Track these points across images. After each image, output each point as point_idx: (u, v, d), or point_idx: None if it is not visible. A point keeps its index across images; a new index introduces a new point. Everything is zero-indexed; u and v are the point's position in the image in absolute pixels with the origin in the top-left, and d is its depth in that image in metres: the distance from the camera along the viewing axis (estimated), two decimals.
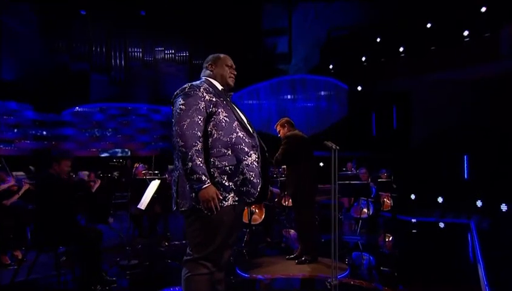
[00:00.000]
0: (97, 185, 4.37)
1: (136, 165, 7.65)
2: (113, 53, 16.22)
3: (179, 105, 2.23)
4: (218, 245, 2.22)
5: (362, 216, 6.89)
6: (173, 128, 2.19)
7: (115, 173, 13.14)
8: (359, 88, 13.46)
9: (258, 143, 2.37)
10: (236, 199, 2.22)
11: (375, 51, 13.14)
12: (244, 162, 2.24)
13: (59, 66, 15.31)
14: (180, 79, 16.11)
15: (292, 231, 7.08)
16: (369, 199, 6.78)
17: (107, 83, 16.12)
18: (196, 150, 2.11)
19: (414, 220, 8.76)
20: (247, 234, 6.04)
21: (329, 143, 3.13)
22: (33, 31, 14.68)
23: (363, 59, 13.50)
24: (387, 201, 7.91)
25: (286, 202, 7.39)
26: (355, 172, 9.14)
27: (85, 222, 5.42)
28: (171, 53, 16.89)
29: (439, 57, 11.35)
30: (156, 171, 7.52)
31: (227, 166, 2.21)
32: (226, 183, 2.20)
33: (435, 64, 11.39)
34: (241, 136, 2.28)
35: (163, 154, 14.48)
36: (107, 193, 6.14)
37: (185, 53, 16.90)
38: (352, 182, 6.76)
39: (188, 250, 2.27)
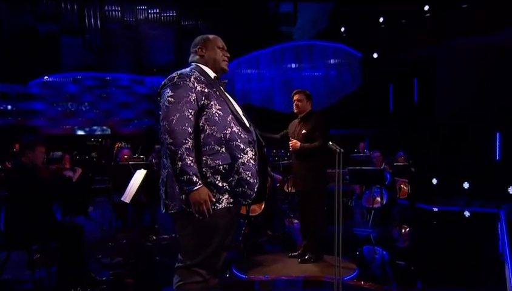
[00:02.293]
0: (78, 175, 4.47)
1: (118, 145, 7.75)
2: (86, 12, 16.11)
3: (167, 97, 2.29)
4: (213, 251, 2.32)
5: (375, 205, 7.04)
6: (161, 123, 2.26)
7: (93, 154, 13.29)
8: (375, 55, 13.43)
9: (255, 139, 2.44)
10: (231, 200, 2.31)
11: (395, 12, 13.00)
12: (240, 160, 2.32)
13: (23, 28, 15.20)
14: (167, 44, 16.06)
15: (296, 221, 7.25)
16: (383, 187, 6.91)
17: (81, 48, 16.07)
18: (186, 148, 2.18)
19: (435, 209, 8.93)
20: (246, 226, 6.19)
21: (334, 146, 3.21)
22: None
23: (380, 20, 13.37)
24: (404, 188, 8.06)
25: (289, 188, 7.53)
26: (367, 154, 9.26)
27: (62, 214, 5.55)
28: (156, 13, 16.76)
29: (472, 18, 11.17)
30: (142, 156, 7.62)
31: (220, 165, 2.29)
32: (220, 184, 2.28)
33: (467, 26, 11.25)
34: (236, 131, 2.36)
35: (149, 132, 14.60)
36: (87, 180, 6.24)
37: (173, 13, 16.76)
38: (363, 168, 6.88)
39: (179, 256, 2.38)
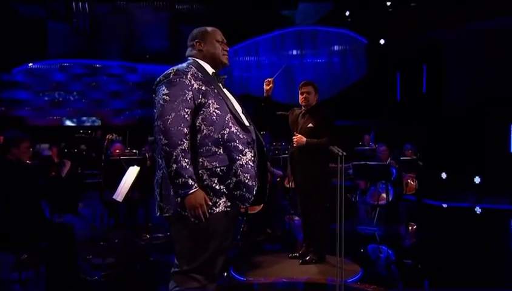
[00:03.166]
0: (67, 169, 4.49)
1: (109, 136, 7.75)
2: None
3: (163, 95, 2.30)
4: (210, 256, 2.36)
5: (380, 202, 7.09)
6: (155, 123, 2.28)
7: (82, 147, 13.31)
8: (381, 41, 13.39)
9: (254, 139, 2.47)
10: (229, 204, 2.34)
11: None
12: (238, 162, 2.35)
13: (5, 11, 15.09)
14: (161, 29, 15.99)
15: (296, 218, 7.31)
16: (389, 183, 6.95)
17: (68, 34, 15.95)
18: (182, 149, 2.21)
19: (444, 205, 8.99)
20: (244, 224, 6.25)
21: (335, 149, 3.24)
22: None
23: (388, 4, 13.31)
24: (412, 183, 8.10)
25: (290, 184, 7.59)
26: (372, 146, 9.30)
27: (50, 212, 5.58)
28: None
29: (485, 1, 11.08)
30: (135, 150, 7.64)
31: (217, 167, 2.31)
32: (217, 187, 2.31)
33: (479, 10, 11.16)
34: (235, 131, 2.38)
35: (142, 123, 14.60)
36: (76, 175, 6.28)
37: None
38: (368, 163, 6.92)
39: (175, 261, 2.42)
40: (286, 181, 8.05)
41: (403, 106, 13.19)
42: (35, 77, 15.67)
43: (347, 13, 14.51)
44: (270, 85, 4.49)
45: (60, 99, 15.99)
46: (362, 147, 9.79)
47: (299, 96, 4.82)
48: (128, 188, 4.61)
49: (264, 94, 4.56)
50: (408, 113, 12.47)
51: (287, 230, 6.78)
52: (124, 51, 16.30)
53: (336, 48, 14.77)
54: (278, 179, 7.72)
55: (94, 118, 16.00)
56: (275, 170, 7.39)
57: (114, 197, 4.73)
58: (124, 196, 4.58)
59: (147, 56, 16.22)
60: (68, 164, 4.42)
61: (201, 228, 2.29)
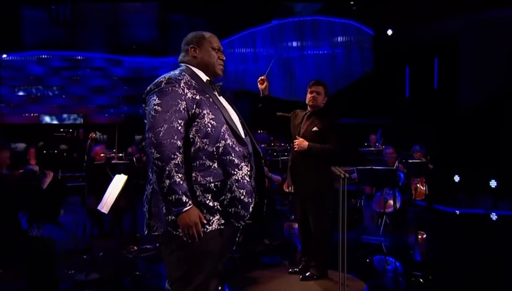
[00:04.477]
0: (49, 180, 4.49)
1: (92, 135, 7.75)
2: None
3: (154, 105, 2.32)
4: (204, 278, 2.38)
5: (387, 210, 7.12)
6: (146, 135, 2.31)
7: (63, 147, 13.32)
8: (389, 32, 13.42)
9: (251, 151, 2.50)
10: (223, 222, 2.37)
11: None
12: (234, 177, 2.38)
13: None
14: (148, 18, 15.95)
15: (297, 225, 7.33)
16: (396, 189, 6.98)
17: (46, 23, 15.86)
18: (175, 163, 2.23)
19: (457, 211, 9.02)
20: (240, 234, 6.25)
21: (337, 171, 3.26)
22: None
23: None
24: (421, 187, 8.15)
25: (289, 188, 7.61)
26: (379, 147, 9.33)
27: (28, 222, 5.58)
28: None
29: None
30: (121, 154, 7.64)
31: (211, 182, 2.35)
32: (210, 204, 2.34)
33: None
34: (230, 144, 2.41)
35: (128, 121, 14.58)
36: (59, 185, 6.28)
37: None
38: (374, 167, 6.94)
39: (167, 285, 2.45)
40: (285, 185, 8.07)
41: (412, 103, 13.24)
42: (10, 70, 15.57)
43: (352, 2, 14.50)
44: (265, 83, 4.49)
45: (38, 95, 15.94)
46: (368, 148, 9.83)
47: (308, 94, 4.83)
48: (114, 199, 4.62)
49: (261, 94, 4.58)
50: (418, 111, 12.50)
51: (287, 238, 6.80)
52: (109, 42, 16.23)
53: (339, 39, 14.80)
54: (276, 184, 7.75)
55: (75, 115, 15.96)
56: (273, 175, 7.41)
57: (99, 208, 4.74)
58: (109, 208, 4.59)
59: (134, 47, 16.19)
60: (50, 175, 4.41)
61: (193, 249, 2.31)
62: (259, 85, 4.52)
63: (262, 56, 15.24)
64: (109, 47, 16.21)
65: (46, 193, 4.45)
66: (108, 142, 10.09)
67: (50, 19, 15.55)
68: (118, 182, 4.76)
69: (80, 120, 15.87)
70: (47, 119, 15.80)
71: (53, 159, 12.23)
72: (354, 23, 14.52)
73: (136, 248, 6.17)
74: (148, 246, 6.21)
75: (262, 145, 11.71)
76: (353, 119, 11.66)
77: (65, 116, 15.93)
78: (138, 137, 11.77)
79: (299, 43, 15.06)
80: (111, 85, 16.37)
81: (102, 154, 6.79)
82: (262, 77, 4.49)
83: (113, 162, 6.73)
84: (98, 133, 9.71)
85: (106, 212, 4.64)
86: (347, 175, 3.18)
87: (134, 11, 16.30)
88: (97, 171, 6.47)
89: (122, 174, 4.85)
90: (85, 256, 5.62)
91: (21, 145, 10.99)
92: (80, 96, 16.13)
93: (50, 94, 16.07)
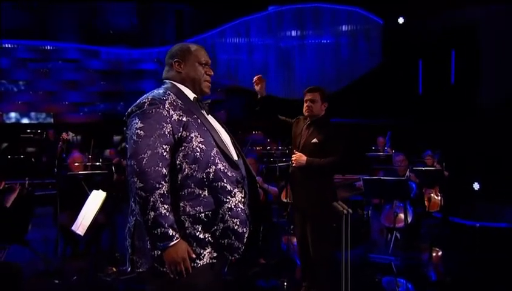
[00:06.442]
0: (13, 197, 4.48)
1: (64, 136, 7.73)
2: None
3: (136, 129, 2.34)
4: None
5: (397, 225, 7.11)
6: (128, 162, 2.32)
7: (30, 150, 13.28)
8: (400, 20, 13.45)
9: (244, 175, 2.52)
10: (215, 255, 2.39)
11: None
12: (226, 205, 2.40)
13: None
14: (128, 4, 15.94)
15: (295, 239, 7.34)
16: (407, 201, 7.00)
17: (12, 9, 15.87)
18: (160, 193, 2.25)
19: (477, 224, 9.02)
20: None
21: (340, 206, 3.29)
22: None
23: None
24: (436, 197, 8.14)
25: (287, 198, 7.59)
26: (388, 151, 9.32)
27: None
28: None
29: None
30: (98, 163, 7.63)
31: (202, 212, 2.36)
32: (201, 236, 2.35)
33: None
34: (222, 169, 2.42)
35: (106, 120, 14.53)
36: (26, 201, 6.24)
37: None
38: (382, 178, 6.96)
39: None
40: (283, 195, 8.08)
41: (426, 101, 13.26)
42: None
43: None
44: (261, 83, 4.48)
45: (2, 90, 15.90)
46: (375, 153, 9.83)
47: (304, 104, 4.83)
48: (91, 219, 4.62)
49: (258, 96, 4.58)
50: (432, 110, 12.51)
51: (285, 255, 6.80)
52: (83, 31, 16.23)
53: (344, 28, 14.83)
54: (273, 196, 7.76)
55: (44, 114, 15.91)
56: (269, 186, 7.42)
57: (73, 229, 4.74)
58: (85, 229, 4.59)
59: (111, 32, 16.19)
60: (15, 192, 4.41)
61: (181, 286, 2.32)
62: (255, 86, 4.51)
63: (257, 46, 15.24)
64: (83, 36, 16.21)
65: (10, 210, 4.45)
66: (82, 144, 10.08)
67: (16, 5, 15.58)
68: (96, 199, 4.75)
69: (50, 120, 15.76)
70: (12, 118, 15.73)
71: (18, 164, 12.19)
72: (361, 11, 14.54)
73: (115, 269, 6.09)
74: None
75: (258, 148, 11.71)
76: (359, 119, 11.68)
77: (32, 114, 15.86)
78: (116, 138, 11.78)
79: (299, 33, 15.09)
80: (86, 80, 16.34)
81: (76, 164, 6.75)
82: (258, 77, 4.51)
83: (88, 172, 6.70)
84: (71, 134, 9.65)
85: (82, 234, 4.64)
86: (350, 211, 3.20)
87: None
88: (71, 183, 6.44)
89: (100, 190, 4.85)
90: (56, 281, 5.57)
91: None
92: (50, 91, 16.12)
93: (15, 89, 16.06)
